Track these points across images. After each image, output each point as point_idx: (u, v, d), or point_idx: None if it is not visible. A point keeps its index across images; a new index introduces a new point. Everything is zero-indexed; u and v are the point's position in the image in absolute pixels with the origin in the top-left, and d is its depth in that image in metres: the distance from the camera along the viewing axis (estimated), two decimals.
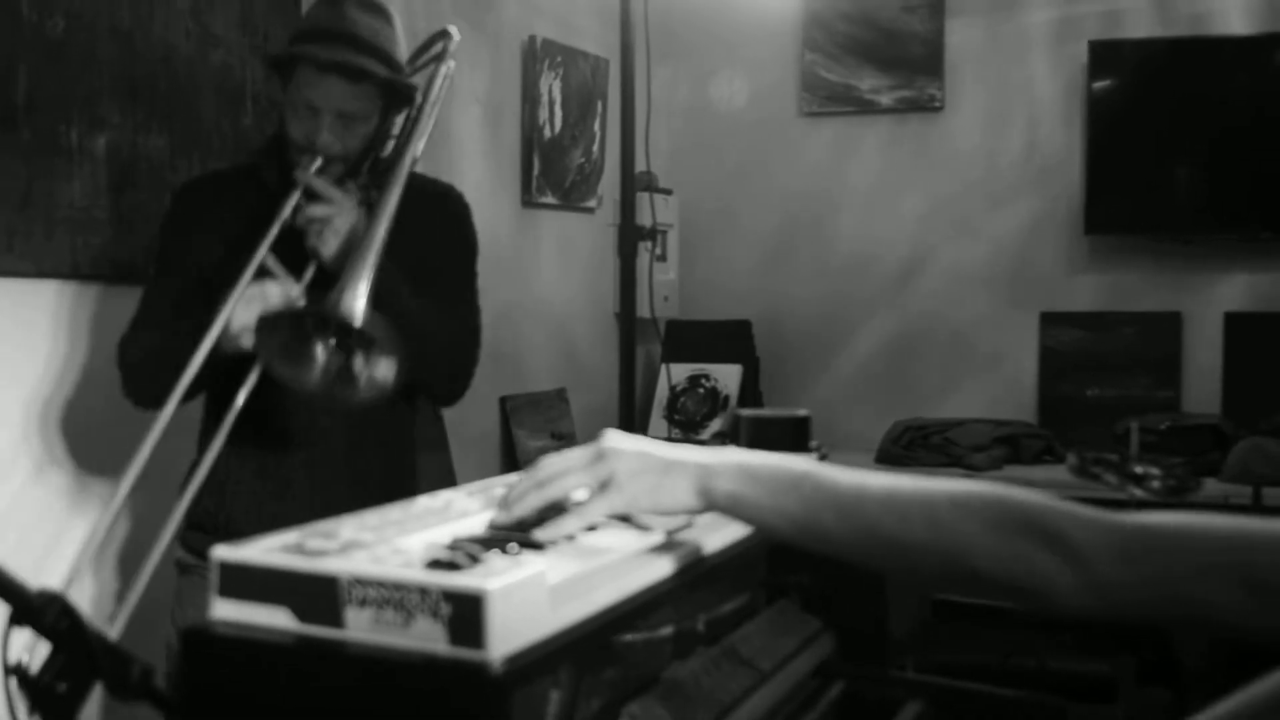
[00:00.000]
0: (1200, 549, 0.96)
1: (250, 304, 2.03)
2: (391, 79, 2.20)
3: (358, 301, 1.97)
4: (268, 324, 2.00)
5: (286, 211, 2.15)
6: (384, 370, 1.98)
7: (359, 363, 2.00)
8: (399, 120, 2.32)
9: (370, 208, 2.15)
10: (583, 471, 1.19)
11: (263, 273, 2.05)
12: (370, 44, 2.17)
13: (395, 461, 2.40)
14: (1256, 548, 0.95)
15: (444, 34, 2.37)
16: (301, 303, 2.07)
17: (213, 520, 2.27)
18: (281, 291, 2.05)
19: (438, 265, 2.22)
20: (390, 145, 2.32)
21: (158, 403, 2.03)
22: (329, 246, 2.13)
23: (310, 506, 2.24)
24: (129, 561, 2.70)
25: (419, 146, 2.23)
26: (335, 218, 2.13)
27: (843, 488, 1.10)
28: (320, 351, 2.01)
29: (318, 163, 2.17)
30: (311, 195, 2.16)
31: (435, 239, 2.13)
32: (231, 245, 2.15)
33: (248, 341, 2.03)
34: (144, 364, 2.20)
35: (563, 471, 1.20)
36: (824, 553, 1.12)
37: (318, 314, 2.01)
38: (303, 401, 2.20)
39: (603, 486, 1.18)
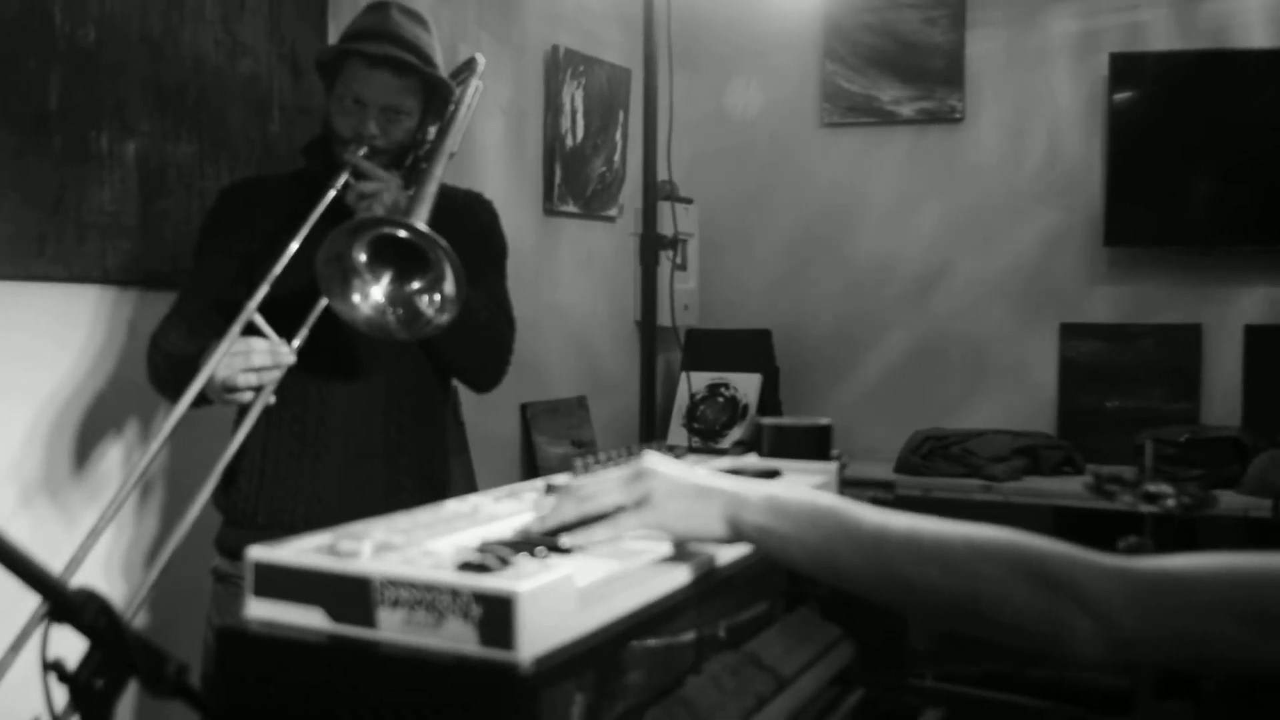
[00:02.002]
0: (1203, 588, 0.98)
1: (234, 359, 2.04)
2: (433, 74, 2.33)
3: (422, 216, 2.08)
4: (351, 232, 2.04)
5: (336, 187, 2.23)
6: (447, 314, 2.07)
7: (421, 287, 2.08)
8: (432, 131, 2.41)
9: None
10: (619, 489, 1.22)
11: (252, 330, 2.07)
12: (414, 45, 2.31)
13: (429, 439, 2.45)
14: (1253, 581, 0.97)
15: (472, 60, 2.56)
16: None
17: (250, 508, 2.32)
18: (268, 349, 2.07)
19: (474, 268, 2.27)
20: (426, 148, 2.42)
21: (176, 399, 2.07)
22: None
23: (345, 482, 2.30)
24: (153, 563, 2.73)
25: (456, 140, 2.36)
26: (383, 193, 2.22)
27: (864, 526, 1.12)
28: (388, 278, 2.09)
29: (364, 150, 2.29)
30: (358, 175, 2.26)
31: (469, 244, 2.18)
32: (273, 237, 2.18)
33: (229, 398, 2.07)
34: (164, 369, 2.26)
35: (600, 490, 1.23)
36: (842, 588, 1.14)
37: (385, 221, 2.07)
38: (341, 375, 2.31)
39: (638, 504, 1.21)
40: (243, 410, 2.29)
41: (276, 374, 2.08)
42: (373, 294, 2.08)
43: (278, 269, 2.10)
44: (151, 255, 2.69)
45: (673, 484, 1.22)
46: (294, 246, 2.12)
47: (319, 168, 2.33)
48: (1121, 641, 0.99)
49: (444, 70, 2.41)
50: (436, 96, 2.38)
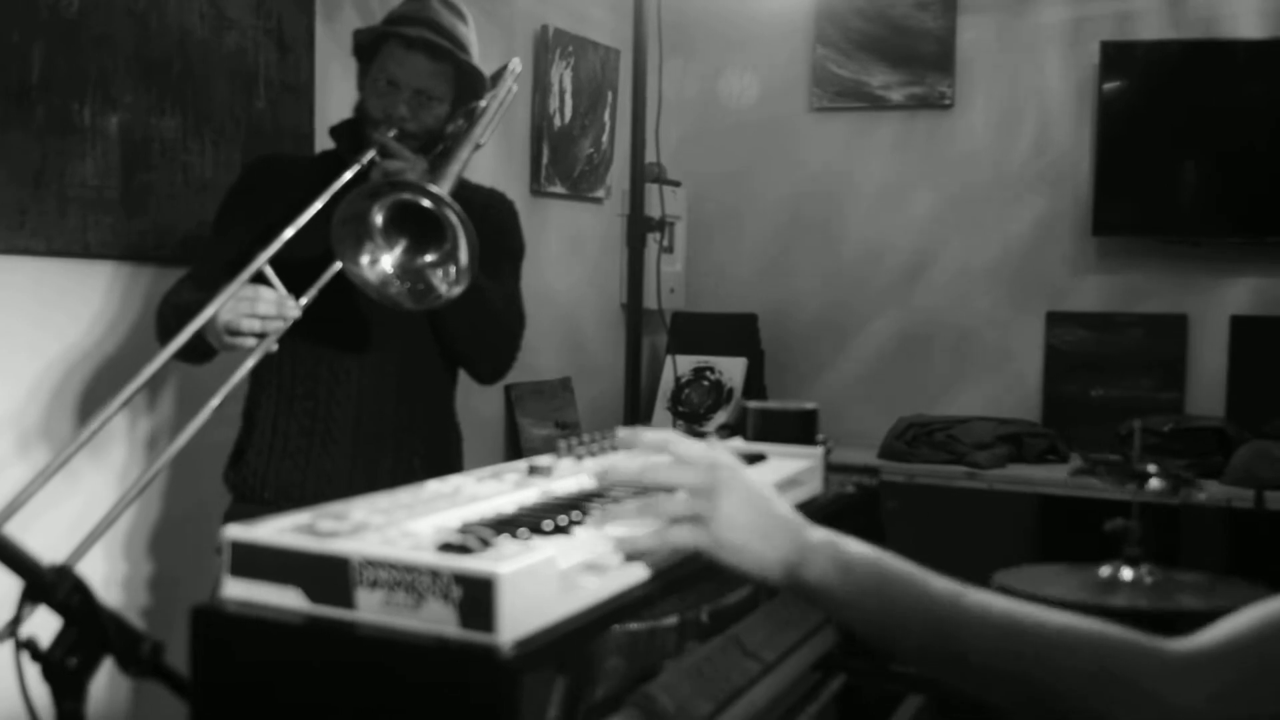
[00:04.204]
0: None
1: (239, 303, 2.04)
2: (467, 62, 2.37)
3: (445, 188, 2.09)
4: (377, 190, 2.05)
5: (363, 162, 2.25)
6: (457, 286, 2.07)
7: (435, 260, 2.08)
8: (462, 125, 2.43)
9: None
10: (688, 492, 1.14)
11: (261, 281, 2.07)
12: (450, 33, 2.36)
13: (439, 423, 2.49)
14: None
15: (508, 65, 2.60)
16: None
17: (259, 483, 2.34)
18: (275, 299, 2.07)
19: (490, 264, 2.27)
20: (454, 135, 2.43)
21: (182, 356, 2.06)
22: None
23: (356, 462, 2.31)
24: (160, 544, 2.72)
25: (485, 134, 2.38)
26: (408, 172, 2.24)
27: (935, 599, 1.04)
28: (405, 245, 2.09)
29: (393, 131, 2.31)
30: (385, 155, 2.28)
31: (486, 241, 2.18)
32: (295, 209, 2.17)
33: (230, 341, 2.06)
34: (172, 319, 2.23)
35: (673, 475, 1.15)
36: (901, 660, 1.09)
37: (408, 185, 2.07)
38: (355, 356, 2.35)
39: (695, 519, 1.13)
40: (254, 391, 2.37)
41: (280, 325, 2.07)
42: (386, 260, 2.09)
43: (293, 229, 2.10)
44: (134, 229, 2.67)
45: (740, 513, 1.12)
46: (313, 211, 2.12)
47: (346, 150, 2.36)
48: None
49: (479, 63, 2.44)
50: (468, 88, 2.40)
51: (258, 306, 2.05)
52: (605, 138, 4.49)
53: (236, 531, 1.03)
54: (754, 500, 1.13)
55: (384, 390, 2.38)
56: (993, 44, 4.64)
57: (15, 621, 1.06)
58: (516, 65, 2.58)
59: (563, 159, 4.27)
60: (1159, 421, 4.00)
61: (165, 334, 2.25)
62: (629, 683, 1.18)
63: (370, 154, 2.27)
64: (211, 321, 2.02)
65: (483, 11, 3.80)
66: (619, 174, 4.48)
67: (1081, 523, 3.33)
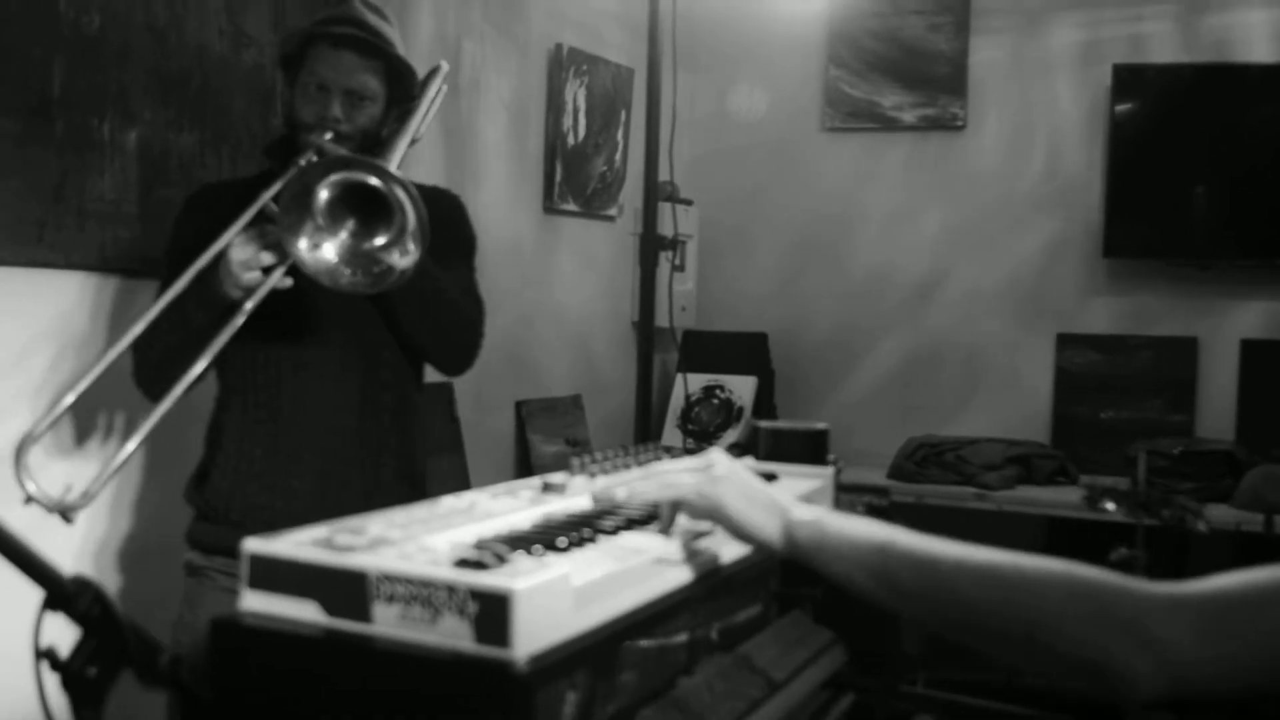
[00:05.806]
0: (1269, 604, 0.94)
1: (248, 244, 2.08)
2: (396, 55, 2.36)
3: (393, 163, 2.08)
4: (316, 171, 2.06)
5: (301, 164, 2.22)
6: (411, 255, 2.06)
7: (383, 241, 2.07)
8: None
9: None
10: (691, 470, 1.29)
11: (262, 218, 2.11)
12: (377, 32, 2.35)
13: (405, 437, 2.44)
14: None
15: (438, 67, 2.57)
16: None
17: (224, 505, 2.31)
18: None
19: (442, 258, 2.27)
20: (388, 130, 2.42)
21: (164, 394, 2.06)
22: None
23: (322, 481, 2.30)
24: (131, 559, 2.71)
25: (420, 128, 2.37)
26: None
27: (919, 547, 1.11)
28: (352, 222, 2.08)
29: (329, 134, 2.29)
30: (322, 157, 2.26)
31: (436, 236, 2.19)
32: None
33: (247, 279, 2.08)
34: (156, 354, 2.23)
35: (675, 479, 1.29)
36: (897, 609, 1.14)
37: (362, 162, 2.06)
38: (315, 372, 2.32)
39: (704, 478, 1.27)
40: (218, 414, 2.36)
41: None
42: (330, 245, 2.07)
43: (235, 229, 2.10)
44: (151, 244, 2.68)
45: (740, 475, 1.27)
46: (253, 213, 2.13)
47: (282, 168, 2.30)
48: (1183, 674, 0.95)
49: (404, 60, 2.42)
50: (399, 87, 2.39)
51: (268, 239, 2.08)
52: (618, 156, 4.51)
53: (256, 545, 1.05)
54: (750, 476, 1.28)
55: (347, 405, 2.35)
56: (1005, 66, 4.65)
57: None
58: (445, 66, 2.56)
59: (576, 177, 4.29)
60: (1169, 444, 4.00)
61: (149, 375, 2.26)
62: (640, 699, 1.19)
63: (309, 155, 2.24)
64: (224, 263, 2.06)
65: (497, 30, 3.83)
66: (632, 192, 4.50)
67: (1090, 546, 3.33)
